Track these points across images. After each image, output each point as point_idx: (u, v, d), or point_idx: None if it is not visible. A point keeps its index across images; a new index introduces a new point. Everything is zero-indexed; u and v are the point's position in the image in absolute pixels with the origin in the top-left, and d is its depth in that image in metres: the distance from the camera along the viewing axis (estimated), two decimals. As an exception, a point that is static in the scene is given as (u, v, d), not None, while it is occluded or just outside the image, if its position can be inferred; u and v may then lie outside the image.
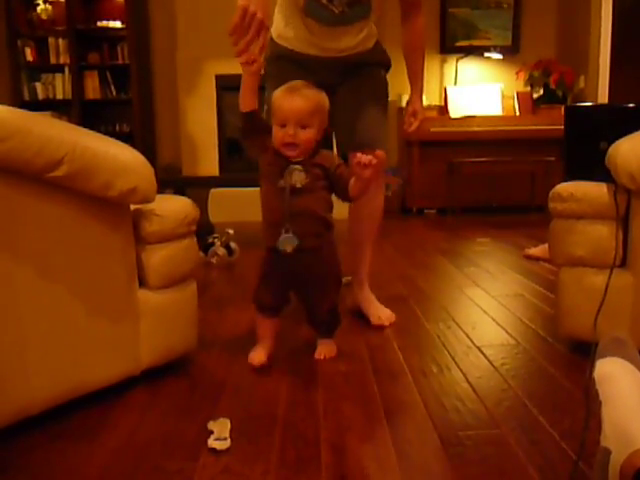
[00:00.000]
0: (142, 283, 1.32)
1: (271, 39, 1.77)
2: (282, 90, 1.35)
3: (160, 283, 1.33)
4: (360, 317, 1.88)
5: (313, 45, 1.72)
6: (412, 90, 1.88)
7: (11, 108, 1.05)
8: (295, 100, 1.32)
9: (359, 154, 1.25)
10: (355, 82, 1.77)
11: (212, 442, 1.08)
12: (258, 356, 1.49)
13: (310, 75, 1.59)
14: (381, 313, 1.83)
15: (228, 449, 1.07)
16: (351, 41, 1.71)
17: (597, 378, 0.96)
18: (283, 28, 1.74)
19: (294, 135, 1.31)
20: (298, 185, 1.33)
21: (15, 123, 1.01)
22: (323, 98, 1.37)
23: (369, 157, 1.25)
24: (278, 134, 1.33)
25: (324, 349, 1.55)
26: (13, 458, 1.06)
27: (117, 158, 1.16)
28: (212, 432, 1.11)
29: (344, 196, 1.40)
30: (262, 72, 1.45)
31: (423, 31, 1.83)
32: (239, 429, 1.15)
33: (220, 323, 1.88)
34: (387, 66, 1.85)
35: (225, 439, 1.09)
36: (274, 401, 1.28)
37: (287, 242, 1.35)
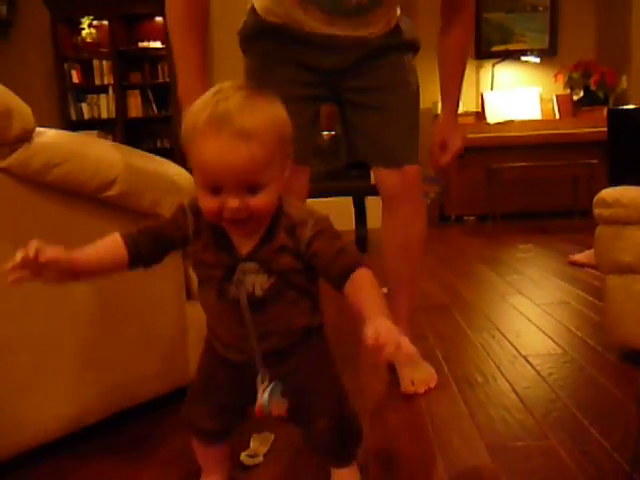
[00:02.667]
0: (190, 296, 1.36)
1: (252, 9, 1.30)
2: (203, 117, 0.73)
3: (207, 296, 1.37)
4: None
5: (317, 22, 1.23)
6: (443, 110, 1.44)
7: (68, 132, 1.11)
8: (228, 148, 0.71)
9: (373, 334, 0.67)
10: (377, 76, 1.33)
11: (243, 456, 1.09)
12: None
13: (313, 58, 1.26)
14: (417, 376, 1.39)
15: (256, 465, 1.07)
16: (369, 30, 1.27)
17: None
18: (271, 2, 1.24)
19: (240, 209, 0.74)
20: (258, 292, 0.81)
21: (72, 147, 1.06)
22: (282, 122, 0.77)
23: (385, 337, 0.68)
24: (209, 205, 0.76)
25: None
26: (68, 469, 1.11)
27: (165, 176, 1.21)
28: (249, 446, 1.12)
29: (332, 285, 0.81)
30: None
31: (467, 39, 1.43)
32: (286, 440, 1.16)
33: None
34: (416, 47, 1.41)
35: (256, 456, 1.09)
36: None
37: (273, 402, 0.84)
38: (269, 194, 0.76)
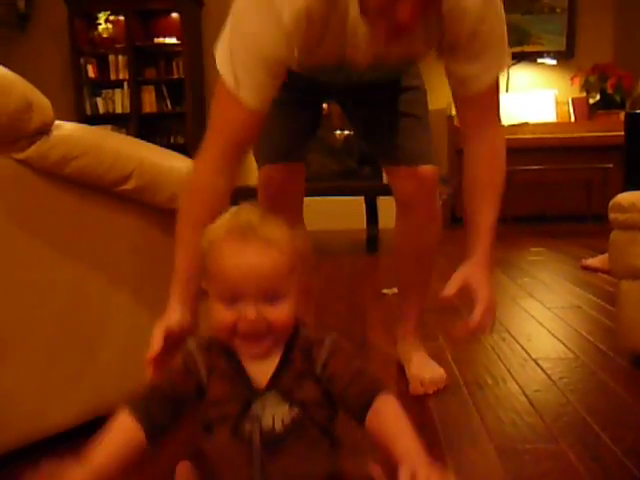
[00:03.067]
0: (204, 290, 1.37)
1: None
2: (223, 230, 0.73)
3: (219, 291, 1.37)
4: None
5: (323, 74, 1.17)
6: (471, 251, 1.11)
7: (85, 126, 1.12)
8: (253, 254, 0.70)
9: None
10: (386, 93, 1.28)
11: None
12: None
13: (320, 95, 1.29)
14: (426, 376, 1.36)
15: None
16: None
17: None
18: None
19: (258, 320, 0.70)
20: (278, 427, 0.71)
21: (90, 140, 1.07)
22: (300, 240, 0.76)
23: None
24: (224, 318, 0.71)
25: None
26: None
27: (181, 172, 1.21)
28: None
29: (352, 416, 0.74)
30: None
31: (500, 157, 1.13)
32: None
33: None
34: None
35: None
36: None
37: None
38: (288, 306, 0.72)
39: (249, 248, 0.70)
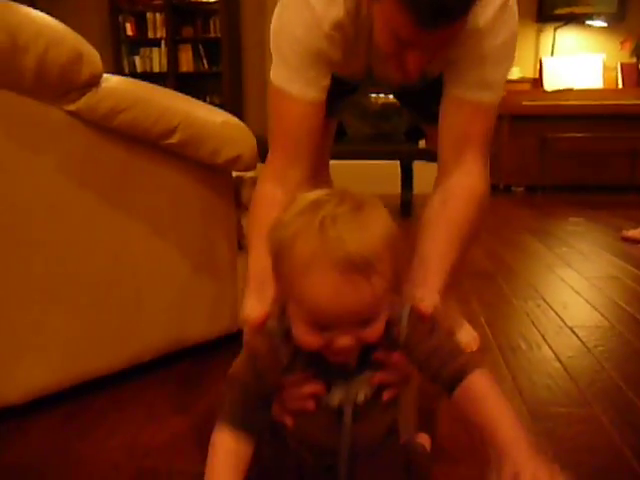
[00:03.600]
0: (241, 247, 1.40)
1: None
2: (307, 249, 0.60)
3: (258, 248, 1.40)
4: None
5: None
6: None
7: (132, 79, 1.14)
8: (350, 284, 0.59)
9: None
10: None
11: None
12: None
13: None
14: (460, 338, 1.35)
15: None
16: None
17: None
18: None
19: (352, 346, 0.65)
20: (360, 401, 0.73)
21: (138, 93, 1.09)
22: (389, 226, 0.63)
23: None
24: (312, 341, 0.65)
25: None
26: (129, 395, 1.18)
27: (224, 127, 1.23)
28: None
29: (441, 386, 0.70)
30: None
31: (471, 208, 0.94)
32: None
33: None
34: None
35: None
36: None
37: None
38: (382, 322, 0.66)
39: (343, 280, 0.59)
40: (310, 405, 0.73)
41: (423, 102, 1.18)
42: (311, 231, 0.60)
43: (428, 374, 0.71)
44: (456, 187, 0.92)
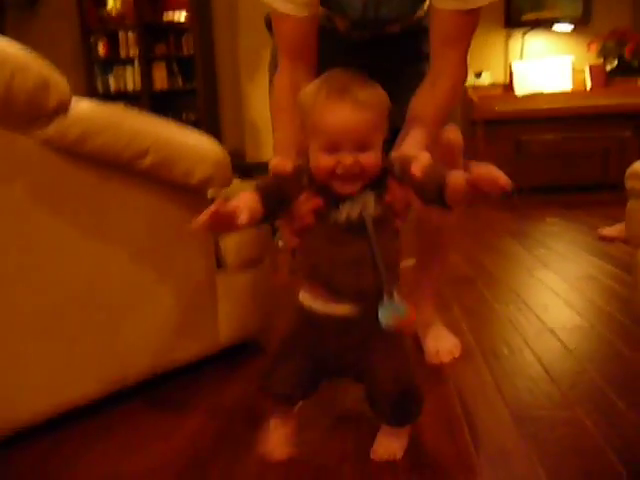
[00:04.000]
0: (220, 265, 1.39)
1: None
2: (323, 90, 0.87)
3: (236, 265, 1.39)
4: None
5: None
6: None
7: (102, 103, 1.13)
8: (348, 111, 0.85)
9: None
10: (410, 62, 1.30)
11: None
12: (278, 448, 1.02)
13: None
14: (441, 346, 1.41)
15: None
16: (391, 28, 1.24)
17: None
18: None
19: (353, 164, 0.86)
20: (369, 214, 0.89)
21: (107, 117, 1.09)
22: (384, 98, 0.90)
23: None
24: (325, 162, 0.87)
25: (387, 446, 1.00)
26: (112, 422, 1.16)
27: (196, 147, 1.22)
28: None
29: (439, 205, 0.88)
30: None
31: (450, 91, 1.13)
32: (311, 406, 1.19)
33: (288, 306, 1.93)
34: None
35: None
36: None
37: (393, 312, 0.88)
38: (376, 153, 0.88)
39: (346, 108, 0.85)
40: (310, 220, 0.91)
41: (409, 97, 1.20)
42: (323, 86, 0.88)
43: (422, 196, 0.89)
44: (442, 74, 1.12)
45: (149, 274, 1.24)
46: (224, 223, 0.85)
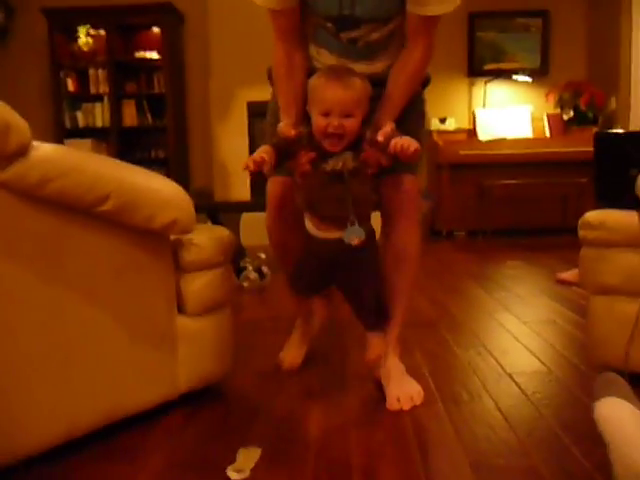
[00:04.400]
0: (181, 310, 1.38)
1: None
2: (324, 76, 1.30)
3: (198, 310, 1.38)
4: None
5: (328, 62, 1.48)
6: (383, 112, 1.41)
7: (64, 147, 1.13)
8: (339, 89, 1.27)
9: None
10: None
11: (230, 471, 1.10)
12: (290, 357, 1.69)
13: None
14: (402, 393, 1.43)
15: None
16: (371, 69, 1.45)
17: (599, 420, 0.97)
18: None
19: (339, 126, 1.26)
20: (348, 168, 1.29)
21: (69, 162, 1.08)
22: (367, 86, 1.31)
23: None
24: (320, 122, 1.28)
25: (374, 348, 1.41)
26: (56, 477, 1.12)
27: (159, 192, 1.23)
28: (235, 460, 1.13)
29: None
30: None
31: (416, 63, 1.42)
32: (273, 454, 1.18)
33: (254, 347, 1.92)
34: (425, 81, 1.55)
35: (242, 471, 1.10)
36: (307, 426, 1.31)
37: (354, 235, 1.30)
38: (356, 121, 1.29)
39: (338, 86, 1.28)
40: (307, 168, 1.32)
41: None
42: (326, 74, 1.32)
43: (384, 153, 1.29)
44: (411, 56, 1.42)
45: (106, 318, 1.22)
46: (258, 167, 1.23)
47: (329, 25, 1.40)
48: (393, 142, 1.25)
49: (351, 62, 1.41)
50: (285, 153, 1.32)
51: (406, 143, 1.23)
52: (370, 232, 1.36)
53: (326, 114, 1.27)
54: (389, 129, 1.31)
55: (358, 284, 1.39)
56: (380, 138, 1.29)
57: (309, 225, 1.38)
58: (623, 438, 0.91)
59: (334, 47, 1.43)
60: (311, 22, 1.42)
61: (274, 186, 1.52)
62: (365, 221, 1.34)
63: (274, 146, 1.31)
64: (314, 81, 1.33)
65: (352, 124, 1.28)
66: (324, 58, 1.45)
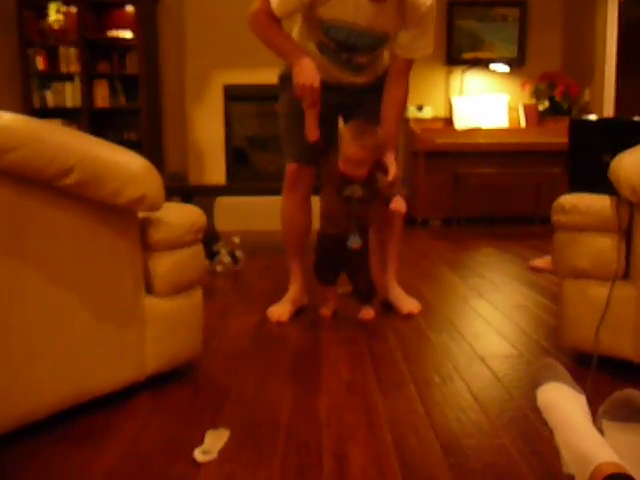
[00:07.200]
0: (149, 290, 1.34)
1: None
2: (350, 132, 1.79)
3: (166, 290, 1.35)
4: (362, 327, 1.91)
5: (323, 72, 1.82)
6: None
7: (26, 117, 1.08)
8: (356, 150, 1.77)
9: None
10: (369, 100, 1.98)
11: (197, 452, 1.08)
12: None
13: (327, 96, 1.85)
14: (409, 305, 2.10)
15: (209, 462, 1.06)
16: (363, 80, 1.98)
17: (541, 406, 0.99)
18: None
19: (352, 173, 1.82)
20: (358, 195, 1.85)
21: (30, 132, 1.03)
22: (377, 141, 1.81)
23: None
24: (341, 166, 1.82)
25: (366, 313, 2.01)
26: (18, 459, 1.08)
27: (126, 166, 1.18)
28: (203, 442, 1.12)
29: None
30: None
31: (402, 101, 1.95)
32: (242, 436, 1.16)
33: (224, 330, 1.89)
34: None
35: (209, 453, 1.08)
36: (277, 408, 1.30)
37: (355, 242, 1.89)
38: (367, 167, 1.82)
39: (357, 148, 1.78)
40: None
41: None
42: (351, 132, 1.82)
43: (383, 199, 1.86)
44: (396, 96, 1.93)
45: (69, 297, 1.18)
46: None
47: (332, 44, 1.83)
48: (394, 199, 1.83)
49: (344, 72, 1.91)
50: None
51: (400, 205, 1.83)
52: (365, 239, 1.94)
53: (346, 162, 1.80)
54: (392, 175, 1.86)
55: (359, 274, 1.99)
56: (389, 182, 1.86)
57: (323, 227, 1.96)
58: (565, 423, 0.92)
59: (333, 59, 1.89)
60: (316, 36, 1.84)
61: (290, 169, 2.03)
62: (363, 232, 1.92)
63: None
64: (344, 132, 1.82)
65: (363, 170, 1.82)
66: (325, 65, 1.86)
